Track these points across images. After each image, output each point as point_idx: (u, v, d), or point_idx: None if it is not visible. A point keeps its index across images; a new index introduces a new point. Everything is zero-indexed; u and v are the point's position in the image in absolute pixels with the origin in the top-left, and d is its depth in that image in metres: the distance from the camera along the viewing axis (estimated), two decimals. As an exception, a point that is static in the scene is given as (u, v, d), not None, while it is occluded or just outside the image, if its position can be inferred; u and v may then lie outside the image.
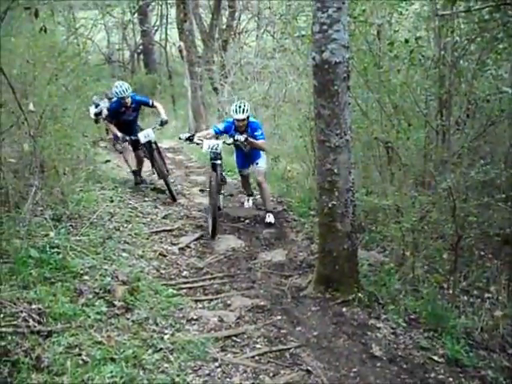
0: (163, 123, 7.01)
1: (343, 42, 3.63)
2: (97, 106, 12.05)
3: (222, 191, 6.28)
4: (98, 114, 12.41)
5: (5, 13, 4.08)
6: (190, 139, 5.85)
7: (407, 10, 5.15)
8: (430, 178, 4.66)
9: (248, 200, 6.72)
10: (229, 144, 5.98)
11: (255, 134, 5.84)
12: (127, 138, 6.87)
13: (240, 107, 5.72)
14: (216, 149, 5.66)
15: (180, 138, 6.14)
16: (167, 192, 6.92)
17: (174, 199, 6.85)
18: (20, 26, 5.43)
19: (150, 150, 6.95)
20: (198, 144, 5.88)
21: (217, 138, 6.07)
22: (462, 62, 4.57)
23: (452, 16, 4.42)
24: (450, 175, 4.06)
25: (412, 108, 5.00)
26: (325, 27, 3.60)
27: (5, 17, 4.16)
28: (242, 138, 5.70)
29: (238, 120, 5.75)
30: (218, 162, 5.76)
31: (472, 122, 4.79)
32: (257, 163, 6.08)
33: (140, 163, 7.41)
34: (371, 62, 4.79)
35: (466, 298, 4.00)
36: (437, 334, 3.50)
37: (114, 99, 7.04)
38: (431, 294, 3.86)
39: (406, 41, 4.50)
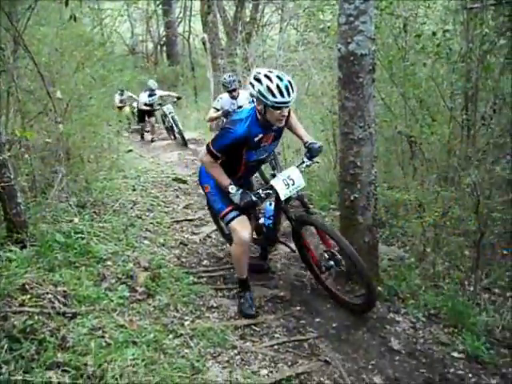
0: (316, 153, 3.64)
1: (369, 34, 3.60)
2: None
3: None
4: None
5: (35, 2, 4.16)
6: None
7: (435, 2, 5.09)
8: (454, 174, 4.61)
9: None
10: None
11: None
12: (253, 197, 3.36)
13: None
14: None
15: None
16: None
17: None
18: (49, 15, 5.52)
19: (299, 219, 3.71)
20: None
21: None
22: (489, 56, 4.49)
23: (481, 9, 4.35)
24: (475, 171, 4.01)
25: (437, 102, 4.95)
26: (351, 19, 3.57)
27: (35, 6, 4.24)
28: None
29: None
30: None
31: (498, 118, 4.71)
32: None
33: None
34: (397, 55, 4.75)
35: (487, 295, 3.94)
36: (457, 330, 3.47)
37: (247, 110, 3.41)
38: (452, 291, 3.83)
39: (434, 33, 4.45)
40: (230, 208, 3.53)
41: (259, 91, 3.13)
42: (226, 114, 6.58)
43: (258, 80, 3.14)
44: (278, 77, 3.11)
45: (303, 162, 3.68)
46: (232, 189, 3.38)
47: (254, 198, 3.37)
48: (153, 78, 13.12)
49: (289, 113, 3.39)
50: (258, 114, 3.32)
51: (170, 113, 11.20)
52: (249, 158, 3.51)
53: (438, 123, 4.67)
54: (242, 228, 3.51)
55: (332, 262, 3.64)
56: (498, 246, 4.42)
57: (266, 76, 3.13)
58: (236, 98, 6.78)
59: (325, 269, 3.72)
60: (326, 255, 3.69)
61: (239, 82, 6.20)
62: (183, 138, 10.80)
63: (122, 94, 13.00)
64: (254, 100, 3.27)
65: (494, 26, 4.44)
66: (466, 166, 4.40)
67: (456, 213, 4.25)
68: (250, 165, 3.63)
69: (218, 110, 6.79)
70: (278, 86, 3.08)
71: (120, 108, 13.06)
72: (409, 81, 4.71)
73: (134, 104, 13.20)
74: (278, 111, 3.16)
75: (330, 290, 3.82)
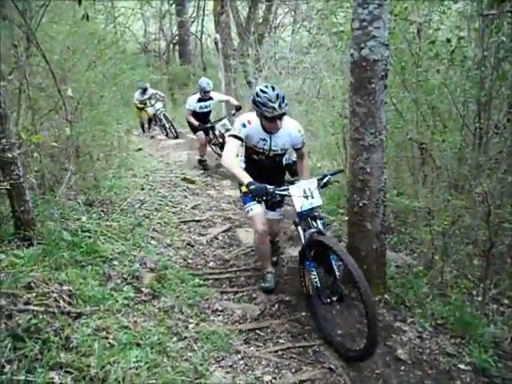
0: None
1: (383, 40, 3.56)
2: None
3: None
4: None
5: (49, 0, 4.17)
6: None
7: (449, 8, 5.02)
8: (465, 182, 4.55)
9: None
10: None
11: None
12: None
13: None
14: None
15: None
16: None
17: None
18: (62, 13, 5.53)
19: None
20: None
21: None
22: (504, 64, 4.43)
23: (497, 16, 4.29)
24: (486, 180, 3.96)
25: (449, 110, 4.89)
26: (365, 24, 3.53)
27: (49, 4, 4.25)
28: None
29: None
30: None
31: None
32: None
33: None
34: (410, 60, 4.70)
35: (495, 306, 3.89)
36: (464, 341, 3.42)
37: None
38: (460, 300, 3.78)
39: (448, 40, 4.39)
40: None
41: None
42: None
43: None
44: None
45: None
46: None
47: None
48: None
49: None
50: None
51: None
52: None
53: (450, 130, 4.62)
54: None
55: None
56: (508, 255, 4.37)
57: None
58: None
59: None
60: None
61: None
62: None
63: (143, 93, 11.55)
64: None
65: (510, 33, 4.38)
66: (477, 174, 4.34)
67: (466, 221, 4.20)
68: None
69: None
70: None
71: (141, 109, 11.79)
72: (421, 87, 4.66)
73: (156, 105, 11.63)
74: None
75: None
